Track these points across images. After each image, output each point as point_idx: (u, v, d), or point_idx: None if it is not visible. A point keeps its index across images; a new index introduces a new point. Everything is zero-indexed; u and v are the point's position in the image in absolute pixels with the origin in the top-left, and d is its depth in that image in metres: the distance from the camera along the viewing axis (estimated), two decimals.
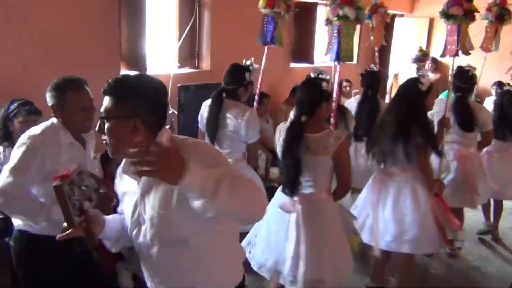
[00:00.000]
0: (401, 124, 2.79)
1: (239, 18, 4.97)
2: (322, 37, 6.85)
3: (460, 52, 3.19)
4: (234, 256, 1.62)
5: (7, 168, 1.94)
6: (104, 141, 1.37)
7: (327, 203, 2.49)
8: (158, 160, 1.07)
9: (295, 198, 2.47)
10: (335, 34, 2.95)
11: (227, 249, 1.54)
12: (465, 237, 2.92)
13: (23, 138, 1.99)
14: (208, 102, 3.11)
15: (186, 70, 4.83)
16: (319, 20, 6.52)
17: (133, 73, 1.53)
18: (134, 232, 1.49)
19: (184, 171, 1.10)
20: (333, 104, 2.85)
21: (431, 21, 8.16)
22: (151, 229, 1.42)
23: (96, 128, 1.38)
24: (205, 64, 4.94)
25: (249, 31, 4.85)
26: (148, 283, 1.56)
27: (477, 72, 3.85)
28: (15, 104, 2.81)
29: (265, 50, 3.59)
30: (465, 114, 3.52)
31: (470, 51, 3.28)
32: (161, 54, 4.67)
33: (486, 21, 4.18)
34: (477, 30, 4.00)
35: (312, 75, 3.42)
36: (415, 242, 2.82)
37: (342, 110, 3.49)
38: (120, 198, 1.60)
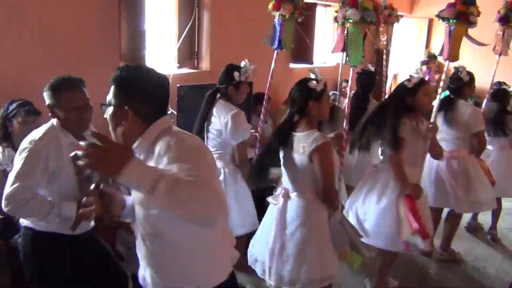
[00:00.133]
0: (378, 120, 2.90)
1: (238, 18, 4.97)
2: (322, 37, 6.88)
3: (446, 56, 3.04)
4: (218, 252, 1.60)
5: (12, 174, 1.97)
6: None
7: (307, 204, 2.39)
8: (95, 152, 1.11)
9: (281, 190, 2.49)
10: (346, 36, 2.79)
11: (206, 245, 1.53)
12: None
13: (25, 143, 2.02)
14: None
15: (186, 70, 4.82)
16: (318, 20, 6.53)
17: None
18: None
19: (124, 166, 1.12)
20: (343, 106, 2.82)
21: (431, 21, 8.15)
22: (137, 220, 1.52)
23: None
24: (205, 64, 4.94)
25: (249, 31, 4.87)
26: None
27: (490, 75, 3.80)
28: (14, 105, 2.82)
29: (274, 55, 3.51)
30: (449, 111, 3.47)
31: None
32: (161, 54, 4.67)
33: (499, 24, 4.05)
34: (492, 33, 4.03)
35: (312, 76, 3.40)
36: (371, 233, 2.86)
37: (332, 111, 3.45)
38: None
